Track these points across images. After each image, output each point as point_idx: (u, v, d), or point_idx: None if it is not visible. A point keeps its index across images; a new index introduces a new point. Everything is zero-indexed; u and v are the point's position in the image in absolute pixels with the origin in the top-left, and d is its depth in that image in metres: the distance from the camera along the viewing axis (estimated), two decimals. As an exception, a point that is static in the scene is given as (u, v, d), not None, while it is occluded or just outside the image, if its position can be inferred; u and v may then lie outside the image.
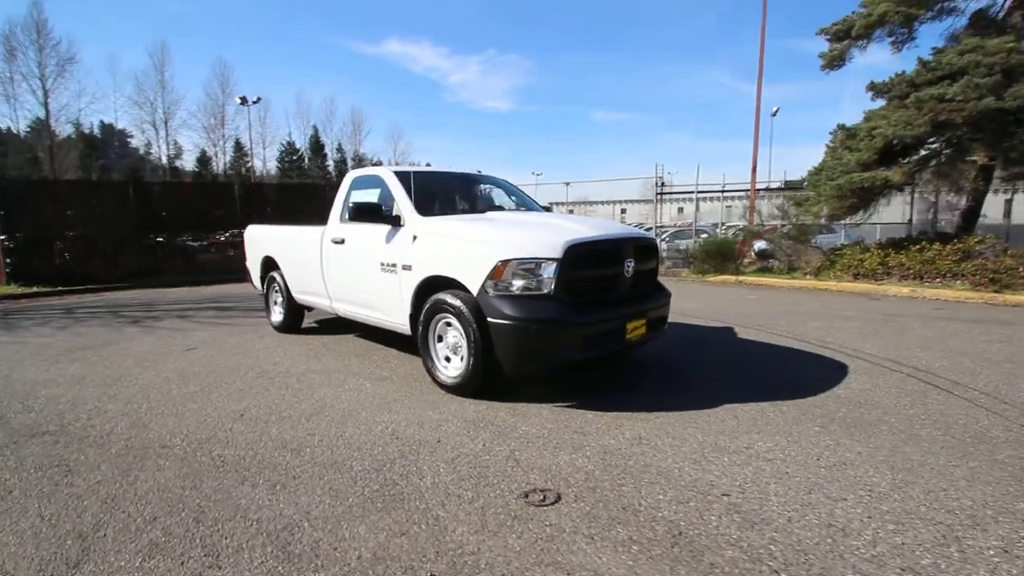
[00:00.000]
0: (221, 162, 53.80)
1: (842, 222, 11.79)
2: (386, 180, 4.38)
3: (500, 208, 4.80)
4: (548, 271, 3.26)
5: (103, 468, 2.66)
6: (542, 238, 3.37)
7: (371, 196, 4.59)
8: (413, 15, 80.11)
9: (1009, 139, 8.64)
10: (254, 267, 6.51)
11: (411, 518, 2.14)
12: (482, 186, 5.07)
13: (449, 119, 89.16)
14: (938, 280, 8.29)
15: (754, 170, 13.63)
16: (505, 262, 3.26)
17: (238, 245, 14.73)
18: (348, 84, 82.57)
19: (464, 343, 3.54)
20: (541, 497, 2.28)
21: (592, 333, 3.34)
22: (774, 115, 36.66)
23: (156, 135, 47.52)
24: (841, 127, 10.31)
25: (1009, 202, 11.55)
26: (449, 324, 3.68)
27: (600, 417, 3.18)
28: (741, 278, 10.59)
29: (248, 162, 54.77)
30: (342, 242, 4.65)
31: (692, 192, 13.35)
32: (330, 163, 63.78)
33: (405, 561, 1.86)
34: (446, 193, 4.73)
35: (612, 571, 1.79)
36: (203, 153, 52.48)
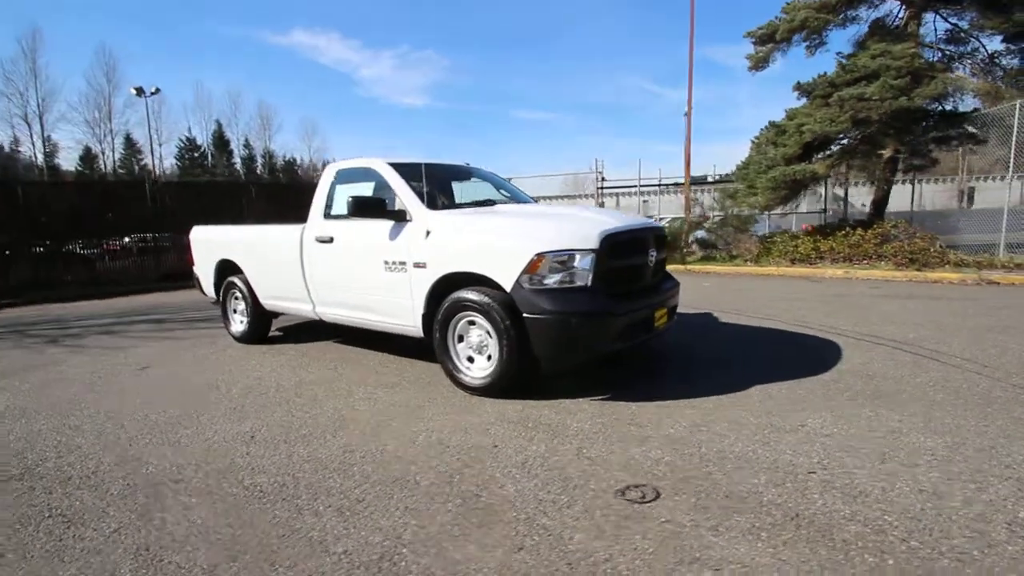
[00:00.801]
0: (109, 160, 48.36)
1: (771, 212, 12.76)
2: (383, 173, 4.07)
3: (493, 202, 4.63)
4: (584, 263, 3.17)
5: (112, 513, 2.23)
6: (576, 229, 3.27)
7: (363, 190, 4.25)
8: (319, 4, 76.28)
9: (913, 134, 9.75)
10: (205, 273, 5.85)
11: (518, 530, 1.97)
12: (474, 179, 4.87)
13: (364, 115, 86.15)
14: (865, 261, 9.18)
15: (688, 164, 14.36)
16: (541, 255, 3.13)
17: (153, 251, 13.36)
18: (252, 76, 77.29)
19: (492, 341, 3.37)
20: (640, 494, 2.19)
21: (628, 323, 3.30)
22: (686, 115, 38.95)
23: (28, 130, 41.71)
24: (772, 124, 11.12)
25: (912, 190, 13.05)
26: (472, 323, 3.48)
27: (644, 408, 3.15)
28: (688, 266, 11.12)
29: (143, 159, 49.71)
30: (330, 241, 4.27)
31: (633, 187, 13.81)
32: (237, 160, 59.50)
33: (540, 578, 1.70)
34: (443, 186, 4.49)
35: (758, 561, 1.74)
36: (88, 150, 46.88)
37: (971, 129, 10.87)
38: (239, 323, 5.57)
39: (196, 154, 55.00)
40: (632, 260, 3.50)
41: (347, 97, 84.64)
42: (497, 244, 3.32)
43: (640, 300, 3.45)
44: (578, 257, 3.16)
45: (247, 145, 59.51)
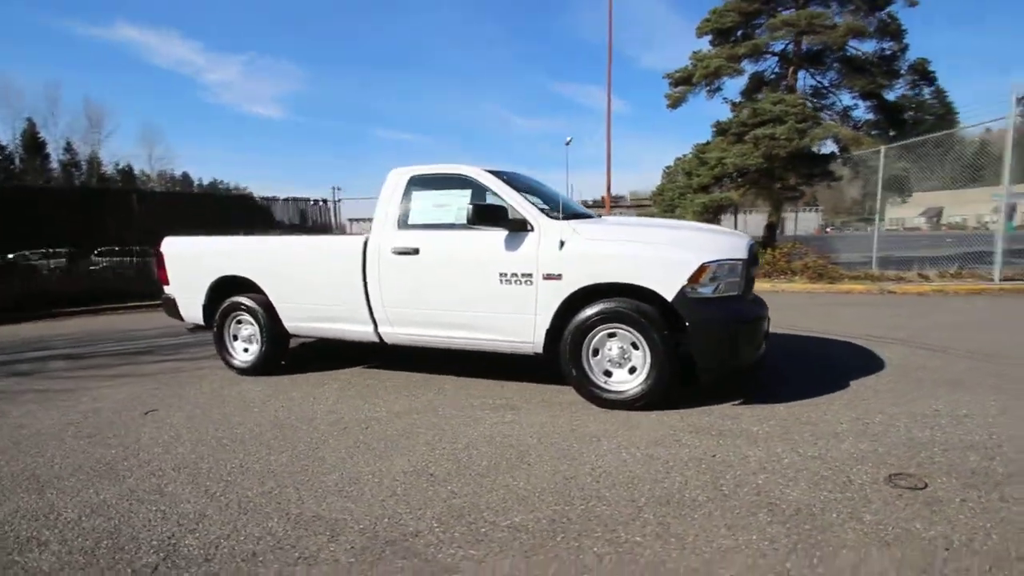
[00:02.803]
0: None
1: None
2: (483, 180, 3.81)
3: (589, 215, 4.53)
4: (737, 272, 3.30)
5: (395, 583, 1.78)
6: (726, 240, 3.40)
7: (451, 199, 3.93)
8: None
9: (802, 170, 11.67)
10: (190, 293, 4.86)
11: (856, 538, 1.99)
12: (543, 190, 4.72)
13: (212, 123, 78.00)
14: (783, 277, 10.66)
15: (608, 188, 15.45)
16: (706, 265, 3.19)
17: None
18: (72, 71, 65.79)
19: (638, 353, 3.33)
20: (912, 482, 2.34)
21: (766, 331, 3.50)
22: (568, 144, 41.75)
23: None
24: (696, 155, 12.49)
25: (796, 217, 15.51)
26: (612, 335, 3.40)
27: (793, 408, 3.33)
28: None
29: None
30: (414, 252, 3.85)
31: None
32: (55, 164, 50.17)
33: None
34: (537, 196, 4.28)
35: None
36: None
37: (830, 168, 13.34)
38: (246, 352, 4.70)
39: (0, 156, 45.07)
40: (755, 271, 3.72)
41: (190, 102, 76.05)
42: (658, 254, 3.30)
43: (763, 309, 3.67)
44: (735, 267, 3.28)
45: (69, 148, 50.46)
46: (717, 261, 3.22)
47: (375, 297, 4.03)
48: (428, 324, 3.92)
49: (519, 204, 3.65)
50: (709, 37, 13.05)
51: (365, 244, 4.05)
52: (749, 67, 13.74)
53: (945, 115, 20.26)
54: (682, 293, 3.19)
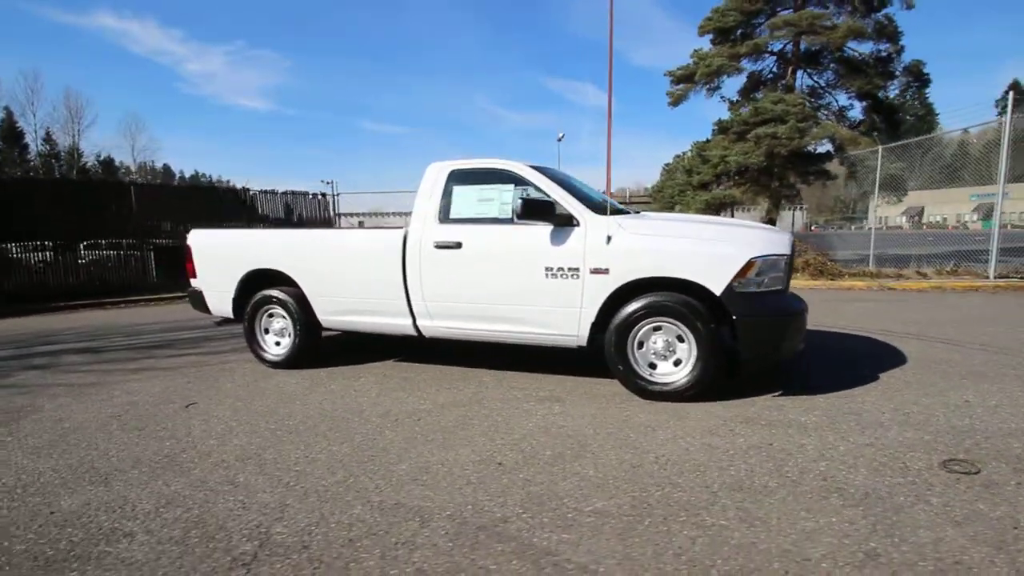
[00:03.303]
0: None
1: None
2: (528, 176, 3.85)
3: (638, 211, 4.61)
4: (779, 267, 3.40)
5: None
6: (771, 236, 3.49)
7: (494, 193, 3.97)
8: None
9: (805, 168, 11.90)
10: (220, 286, 4.83)
11: (929, 519, 2.09)
12: (577, 186, 4.77)
13: (195, 114, 76.62)
14: (784, 273, 10.86)
15: (608, 185, 15.54)
16: (753, 260, 3.27)
17: None
18: (49, 60, 63.97)
19: (684, 346, 3.42)
20: (963, 468, 2.46)
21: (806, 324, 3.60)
22: (560, 140, 41.83)
23: None
24: (698, 152, 12.65)
25: (792, 215, 15.80)
26: (658, 328, 3.48)
27: (843, 399, 3.43)
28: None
29: None
30: (457, 246, 3.89)
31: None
32: (33, 154, 48.98)
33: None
34: (572, 192, 4.32)
35: None
36: None
37: (825, 167, 13.62)
38: (278, 345, 4.70)
39: (-25, 145, 43.82)
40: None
41: (170, 93, 74.52)
42: (707, 250, 3.38)
43: (803, 302, 3.77)
44: (778, 262, 3.38)
45: (48, 139, 49.29)
46: (763, 256, 3.31)
47: (415, 290, 4.06)
48: (470, 317, 3.96)
49: (564, 199, 3.71)
50: (710, 36, 13.20)
51: (405, 237, 4.07)
52: (748, 66, 13.96)
53: (925, 116, 20.76)
54: (730, 288, 3.28)
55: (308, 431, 3.19)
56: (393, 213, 17.11)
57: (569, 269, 3.60)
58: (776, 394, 3.57)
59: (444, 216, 4.02)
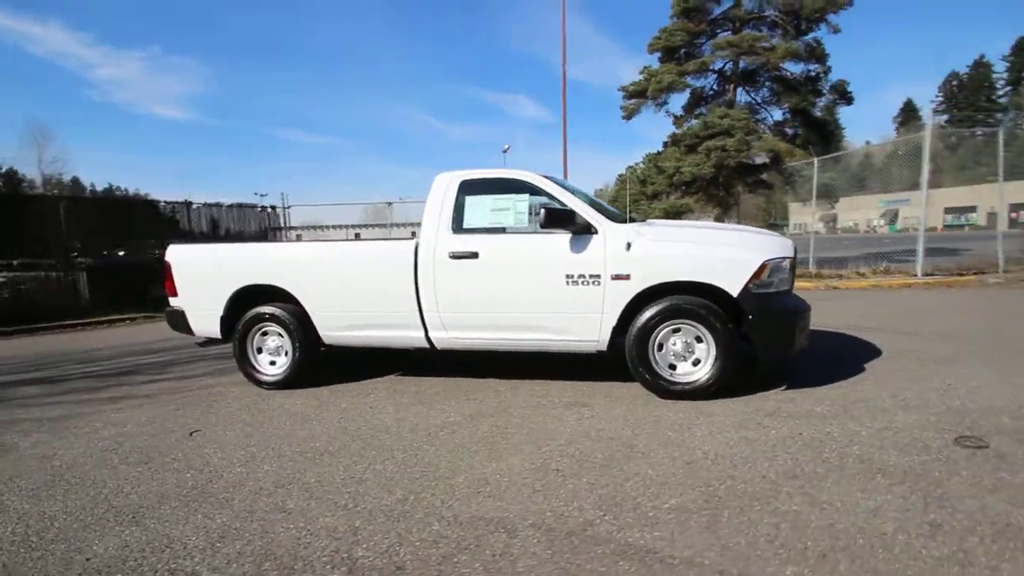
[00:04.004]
0: None
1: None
2: (543, 186, 3.92)
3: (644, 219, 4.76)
4: (786, 269, 3.65)
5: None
6: (776, 240, 3.73)
7: (508, 203, 4.00)
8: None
9: (750, 178, 12.75)
10: (206, 306, 4.54)
11: (966, 489, 2.32)
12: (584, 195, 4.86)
13: (106, 124, 71.27)
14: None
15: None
16: (766, 263, 3.49)
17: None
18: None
19: (702, 346, 3.58)
20: (975, 442, 2.73)
21: (807, 321, 3.87)
22: (505, 152, 42.24)
23: None
24: (652, 163, 13.21)
25: (727, 223, 16.83)
26: (677, 330, 3.63)
27: (844, 389, 3.70)
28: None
29: None
30: (473, 256, 3.88)
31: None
32: (-85, 166, 43.70)
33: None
34: (588, 200, 4.39)
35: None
36: None
37: (763, 177, 14.67)
38: (270, 365, 4.46)
39: None
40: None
41: (78, 101, 69.04)
42: (725, 254, 3.56)
43: (806, 301, 4.03)
44: (785, 263, 3.62)
45: (-64, 149, 44.20)
46: (774, 259, 3.55)
47: (428, 302, 4.00)
48: (488, 327, 3.96)
49: (581, 208, 3.80)
50: (659, 54, 13.92)
51: (416, 248, 4.02)
52: (693, 83, 14.83)
53: (836, 131, 22.91)
54: (746, 289, 3.48)
55: (341, 452, 3.06)
56: (334, 226, 16.57)
57: (590, 276, 3.68)
58: (782, 388, 3.80)
59: (457, 226, 4.00)
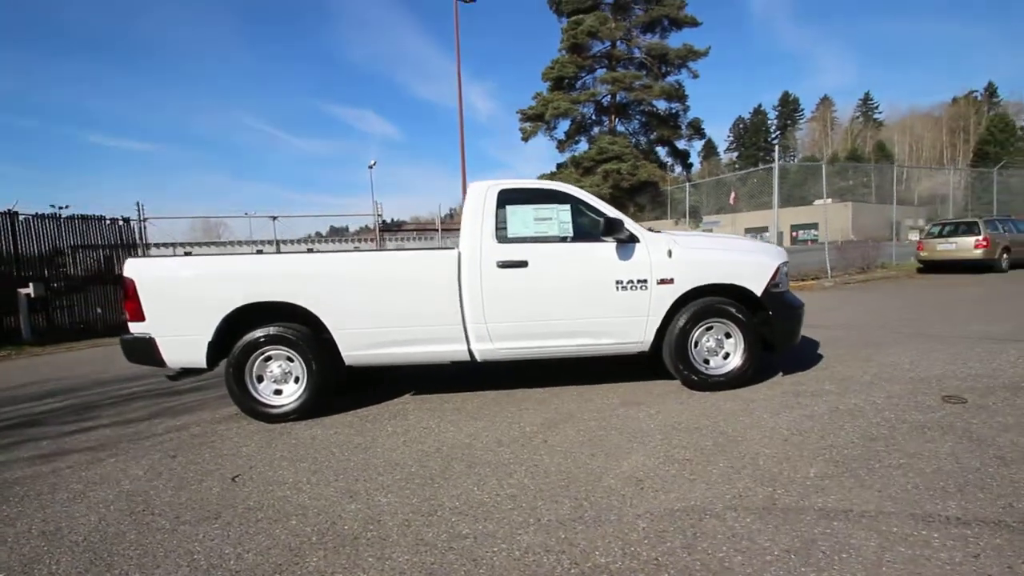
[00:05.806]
0: None
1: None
2: (583, 197, 4.09)
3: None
4: (786, 271, 4.31)
5: None
6: (776, 248, 4.38)
7: (548, 213, 4.08)
8: None
9: (637, 198, 14.27)
10: (188, 330, 3.81)
11: (989, 431, 3.03)
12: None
13: None
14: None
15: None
16: (779, 267, 4.10)
17: None
18: None
19: (735, 340, 4.06)
20: (955, 400, 3.54)
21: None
22: (371, 167, 40.79)
23: None
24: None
25: None
26: (709, 328, 4.06)
27: (825, 371, 4.43)
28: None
29: None
30: (523, 265, 3.88)
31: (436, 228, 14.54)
32: None
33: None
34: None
35: (1056, 403, 3.38)
36: None
37: (642, 200, 16.58)
38: (275, 394, 3.90)
39: None
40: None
41: None
42: (751, 259, 4.07)
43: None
44: (786, 267, 4.28)
45: None
46: (782, 263, 4.18)
47: (474, 313, 3.89)
48: (537, 336, 3.97)
49: (624, 219, 4.05)
50: (550, 83, 14.97)
51: (459, 259, 3.89)
52: (581, 111, 16.23)
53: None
54: (767, 289, 4.04)
55: (448, 474, 2.85)
56: (230, 242, 14.62)
57: (638, 281, 3.94)
58: (780, 375, 4.45)
59: (502, 236, 3.97)
